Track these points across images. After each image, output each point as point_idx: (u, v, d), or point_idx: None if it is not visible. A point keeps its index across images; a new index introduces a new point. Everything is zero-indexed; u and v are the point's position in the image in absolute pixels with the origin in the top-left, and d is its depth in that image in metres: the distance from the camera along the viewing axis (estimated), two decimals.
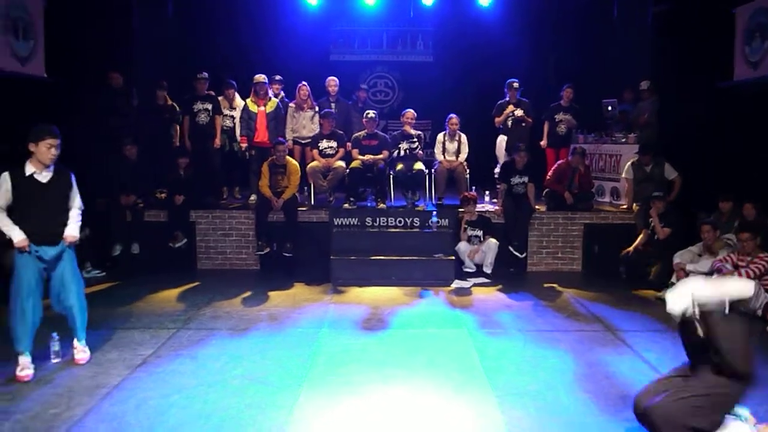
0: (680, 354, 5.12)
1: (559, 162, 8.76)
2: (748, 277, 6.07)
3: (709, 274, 6.49)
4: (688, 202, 7.94)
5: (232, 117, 8.90)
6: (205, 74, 8.75)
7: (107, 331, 5.58)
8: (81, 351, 4.93)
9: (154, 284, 7.25)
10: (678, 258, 6.90)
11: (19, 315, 4.62)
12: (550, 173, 8.67)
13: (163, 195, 8.29)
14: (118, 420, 3.94)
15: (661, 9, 9.40)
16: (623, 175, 8.61)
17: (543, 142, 9.45)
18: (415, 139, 8.65)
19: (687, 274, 6.77)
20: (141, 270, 7.80)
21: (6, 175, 4.60)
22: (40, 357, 4.81)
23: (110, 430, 3.82)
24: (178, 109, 8.86)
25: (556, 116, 9.35)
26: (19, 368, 4.60)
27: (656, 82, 9.10)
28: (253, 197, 8.60)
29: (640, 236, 7.66)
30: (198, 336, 5.55)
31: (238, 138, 8.69)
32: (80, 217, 4.89)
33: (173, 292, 7.04)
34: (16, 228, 4.59)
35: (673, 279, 6.86)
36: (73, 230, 4.81)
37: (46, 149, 4.57)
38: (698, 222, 7.08)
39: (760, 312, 6.07)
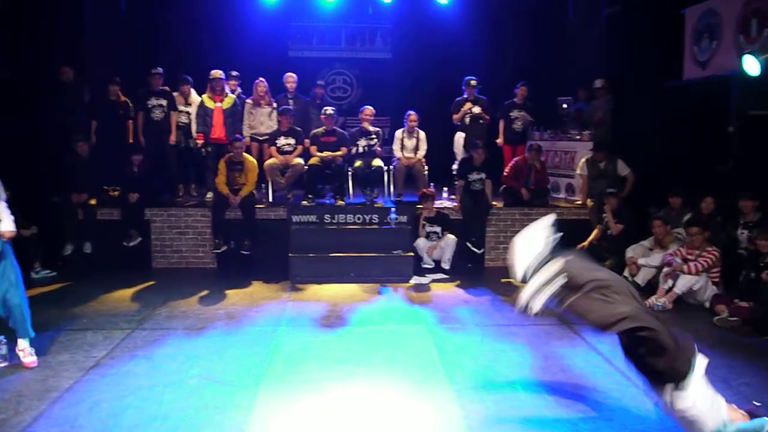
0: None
1: (516, 159, 8.88)
2: (697, 270, 6.27)
3: (660, 267, 6.69)
4: (640, 197, 8.14)
5: (188, 113, 8.74)
6: (160, 69, 8.57)
7: (58, 333, 5.43)
8: (29, 354, 4.76)
9: (108, 284, 7.08)
10: (630, 252, 7.08)
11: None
12: (507, 170, 8.79)
13: (116, 193, 8.11)
14: (70, 424, 3.83)
15: (614, 10, 9.61)
16: (578, 172, 8.78)
17: (499, 140, 9.55)
18: (374, 136, 8.65)
19: (639, 267, 6.96)
20: (94, 270, 7.62)
21: None
22: None
23: None
24: (131, 104, 8.66)
25: (511, 113, 9.46)
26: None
27: (609, 81, 9.30)
28: (209, 195, 8.48)
29: (595, 231, 7.83)
30: (153, 336, 5.45)
31: (194, 135, 8.55)
32: (8, 210, 4.67)
33: (127, 292, 6.90)
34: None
35: (626, 273, 7.04)
36: (8, 225, 4.63)
37: None
38: (649, 217, 7.27)
39: (707, 304, 6.28)
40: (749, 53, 6.35)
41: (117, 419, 3.89)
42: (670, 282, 6.47)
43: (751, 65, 6.29)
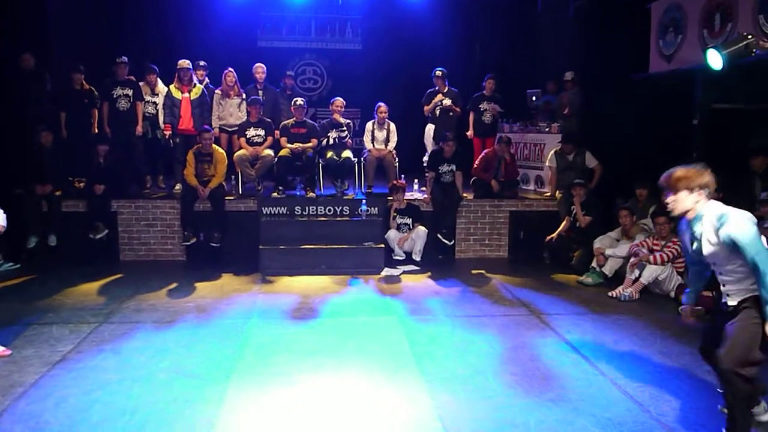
0: (599, 335, 5.39)
1: (486, 151, 8.94)
2: (662, 260, 6.40)
3: (627, 258, 6.81)
4: (608, 189, 8.26)
5: (155, 104, 8.60)
6: (125, 58, 8.40)
7: (22, 327, 5.32)
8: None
9: (74, 277, 6.96)
10: (598, 243, 7.20)
11: None
12: (477, 162, 8.84)
13: (81, 184, 7.95)
14: (36, 419, 3.76)
15: (581, 3, 9.71)
16: (547, 164, 8.88)
17: (469, 132, 9.60)
18: (345, 128, 8.63)
19: (606, 258, 7.08)
20: (59, 263, 7.47)
21: None
22: None
23: (27, 430, 3.65)
24: (96, 93, 8.47)
25: (480, 106, 9.51)
26: None
27: (578, 74, 9.41)
28: (178, 186, 8.37)
29: (563, 223, 7.94)
30: (121, 330, 5.37)
31: (162, 125, 8.42)
32: None
33: (94, 285, 6.78)
34: None
35: (594, 263, 7.15)
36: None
37: None
38: (616, 208, 7.39)
39: (673, 294, 6.41)
40: (713, 47, 6.45)
41: (84, 414, 3.83)
42: (636, 272, 6.59)
43: (714, 59, 6.40)
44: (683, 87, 7.64)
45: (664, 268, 6.44)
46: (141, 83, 8.57)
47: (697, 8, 7.47)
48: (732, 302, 3.45)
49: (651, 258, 6.47)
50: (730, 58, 6.26)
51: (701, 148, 7.60)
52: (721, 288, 3.51)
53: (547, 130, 9.50)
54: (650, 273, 6.46)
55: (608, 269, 7.08)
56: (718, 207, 3.40)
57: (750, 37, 6.20)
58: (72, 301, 6.18)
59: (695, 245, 3.48)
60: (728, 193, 6.66)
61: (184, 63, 8.34)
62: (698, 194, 3.41)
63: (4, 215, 4.72)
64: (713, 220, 3.35)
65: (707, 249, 3.39)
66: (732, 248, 3.26)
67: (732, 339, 3.35)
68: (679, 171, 3.47)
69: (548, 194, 8.87)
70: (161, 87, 8.65)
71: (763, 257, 3.17)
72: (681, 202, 3.44)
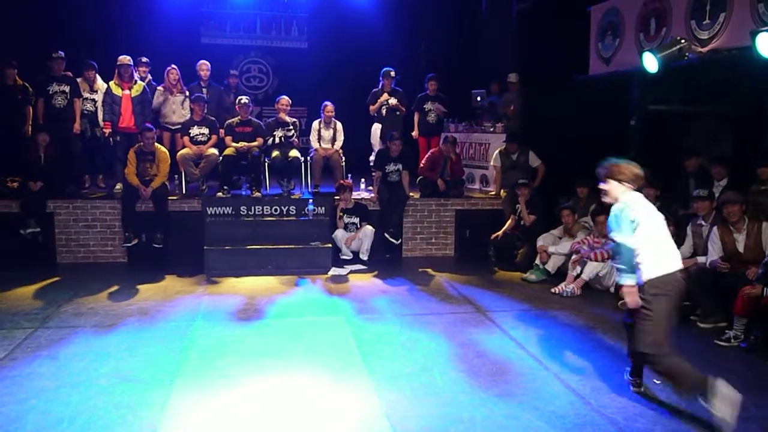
0: (543, 330, 5.50)
1: (432, 150, 9.01)
2: (603, 257, 6.58)
3: (569, 255, 6.98)
4: (551, 188, 8.45)
5: (94, 101, 8.34)
6: (61, 53, 8.11)
7: None
8: None
9: (7, 281, 6.67)
10: (541, 241, 7.36)
11: None
12: (423, 161, 8.91)
13: (15, 184, 7.63)
14: None
15: (524, 6, 9.90)
16: (491, 163, 9.01)
17: (414, 133, 9.63)
18: (291, 127, 8.55)
19: (549, 255, 7.24)
20: None
21: None
22: None
23: None
24: (30, 89, 8.14)
25: (424, 106, 9.57)
26: None
27: (520, 75, 9.58)
28: (118, 186, 8.12)
29: (508, 221, 8.08)
30: (58, 335, 5.18)
31: (101, 123, 8.17)
32: None
33: (29, 289, 6.53)
34: None
35: (537, 261, 7.30)
36: None
37: None
38: (558, 206, 7.57)
39: (612, 289, 6.61)
40: (648, 51, 6.70)
41: (18, 424, 3.68)
42: (578, 269, 6.77)
43: (650, 62, 6.64)
44: (621, 89, 7.88)
45: (604, 265, 6.63)
46: (79, 79, 8.28)
47: (633, 13, 7.72)
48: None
49: (592, 255, 6.65)
50: (665, 61, 6.51)
51: (638, 148, 7.85)
52: None
53: (491, 130, 9.65)
54: (591, 269, 6.64)
55: (551, 266, 7.24)
56: (633, 198, 3.97)
57: (683, 41, 6.46)
58: (5, 306, 5.93)
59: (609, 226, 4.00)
60: (664, 191, 6.97)
61: (125, 59, 8.10)
62: (627, 186, 3.97)
63: None
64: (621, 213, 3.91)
65: (616, 232, 3.94)
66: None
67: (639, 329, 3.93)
68: (616, 163, 4.08)
69: (493, 193, 9.01)
70: (100, 83, 8.40)
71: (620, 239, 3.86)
72: (613, 191, 4.04)
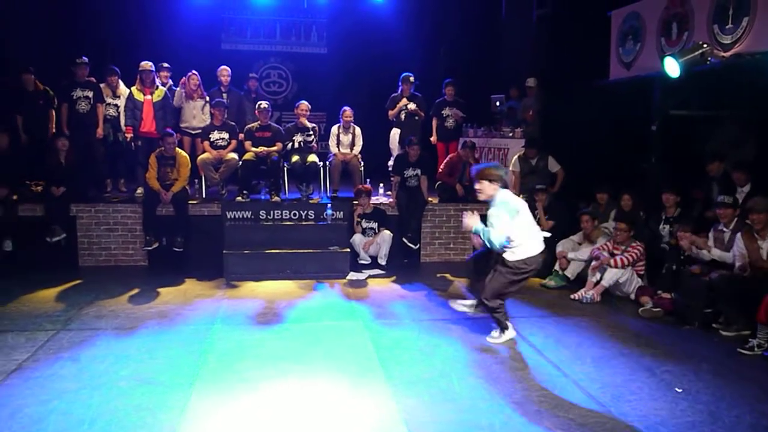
0: (562, 337, 5.46)
1: (450, 155, 9.00)
2: (623, 263, 6.52)
3: (588, 261, 6.92)
4: (570, 193, 8.39)
5: (116, 106, 8.46)
6: (85, 59, 8.24)
7: None
8: None
9: (30, 283, 6.78)
10: (560, 247, 7.30)
11: None
12: (442, 166, 8.89)
13: (39, 188, 7.75)
14: None
15: (545, 11, 9.86)
16: (510, 168, 8.94)
17: (432, 138, 9.62)
18: (310, 132, 8.58)
19: (568, 261, 7.18)
20: (15, 269, 7.25)
21: None
22: None
23: None
24: (51, 93, 8.27)
25: (443, 111, 9.56)
26: None
27: (540, 80, 9.54)
28: (140, 190, 8.22)
29: None
30: (80, 337, 5.25)
31: (123, 128, 8.27)
32: None
33: (52, 292, 6.62)
34: None
35: (556, 267, 7.25)
36: None
37: None
38: (578, 212, 7.51)
39: (633, 296, 6.54)
40: (670, 55, 6.63)
41: (40, 425, 3.73)
42: (597, 275, 6.70)
43: (671, 67, 6.58)
44: (642, 93, 7.81)
45: (624, 271, 6.56)
46: (102, 85, 8.41)
47: (655, 17, 7.66)
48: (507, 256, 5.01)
49: (612, 261, 6.58)
50: (687, 65, 6.44)
51: (659, 153, 7.78)
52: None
53: (510, 135, 9.61)
54: (611, 276, 6.58)
55: (570, 272, 7.19)
56: (504, 194, 4.95)
57: (705, 46, 6.39)
58: (28, 308, 6.02)
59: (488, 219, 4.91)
60: (685, 196, 6.89)
61: (147, 65, 8.21)
62: (495, 185, 4.91)
63: None
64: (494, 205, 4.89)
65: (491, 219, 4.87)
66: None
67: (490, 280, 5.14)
68: (485, 167, 5.03)
69: None
70: (123, 89, 8.51)
71: (491, 226, 4.83)
72: (485, 189, 4.96)
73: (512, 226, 4.86)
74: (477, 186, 5.01)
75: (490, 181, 4.93)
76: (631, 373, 4.66)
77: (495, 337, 5.35)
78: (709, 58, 6.41)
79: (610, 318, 6.05)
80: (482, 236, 4.92)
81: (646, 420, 3.92)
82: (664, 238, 6.88)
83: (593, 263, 6.78)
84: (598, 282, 6.67)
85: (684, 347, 5.24)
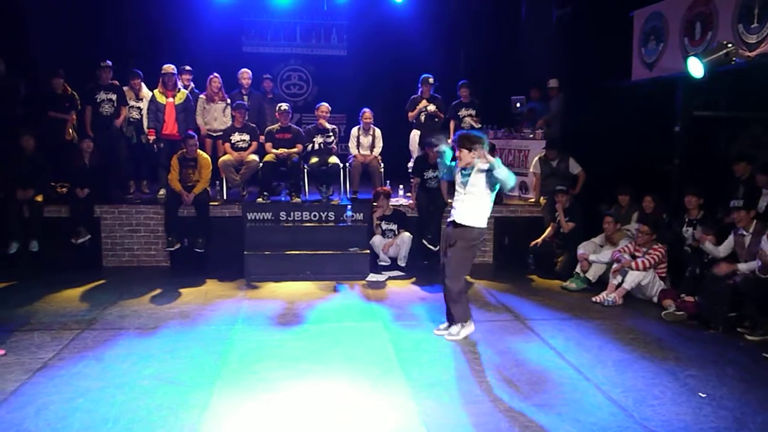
0: (583, 340, 5.41)
1: None
2: (645, 266, 6.45)
3: (610, 263, 6.86)
4: (592, 195, 8.33)
5: (139, 108, 8.56)
6: (109, 62, 8.36)
7: (3, 334, 5.25)
8: None
9: (56, 283, 6.88)
10: (582, 249, 7.24)
11: None
12: None
13: (64, 189, 7.87)
14: (16, 428, 3.71)
15: (565, 11, 9.80)
16: (531, 170, 8.93)
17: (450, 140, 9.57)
18: (330, 133, 8.62)
19: (590, 264, 7.12)
20: (41, 269, 7.37)
21: None
22: None
23: None
24: (77, 97, 8.41)
25: (459, 113, 9.52)
26: None
27: (561, 81, 9.48)
28: (162, 191, 8.31)
29: (548, 229, 7.98)
30: (104, 336, 5.32)
31: (146, 130, 8.37)
32: None
33: (76, 291, 6.71)
34: None
35: (578, 269, 7.19)
36: None
37: None
38: (600, 213, 7.45)
39: (655, 299, 6.48)
40: (693, 56, 6.55)
41: (65, 422, 3.79)
42: (619, 278, 6.64)
43: (695, 67, 6.49)
44: (665, 94, 7.74)
45: (646, 274, 6.50)
46: (125, 88, 8.52)
47: (678, 17, 7.57)
48: (457, 221, 5.19)
49: (633, 264, 6.52)
50: (711, 66, 6.35)
51: (683, 155, 7.69)
52: (453, 210, 5.26)
53: (531, 136, 9.56)
54: (633, 278, 6.51)
55: (592, 275, 7.13)
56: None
57: (730, 45, 6.30)
58: (54, 308, 6.12)
59: (464, 179, 5.15)
60: (709, 198, 6.81)
61: (169, 68, 8.30)
62: (474, 153, 5.03)
63: None
64: (481, 166, 5.00)
65: (474, 181, 5.08)
66: (487, 179, 5.03)
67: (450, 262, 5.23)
68: (465, 136, 5.17)
69: (532, 200, 8.92)
70: (146, 92, 8.61)
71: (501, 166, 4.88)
72: (465, 157, 5.08)
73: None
74: (457, 154, 5.16)
75: (469, 149, 5.06)
76: (653, 377, 4.61)
77: (453, 334, 5.34)
78: (734, 58, 6.32)
79: (631, 321, 5.99)
80: (499, 168, 4.85)
81: (669, 425, 3.87)
82: (687, 240, 6.80)
83: (615, 266, 6.73)
84: (619, 285, 6.61)
85: (708, 351, 5.18)
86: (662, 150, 7.87)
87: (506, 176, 4.86)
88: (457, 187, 5.27)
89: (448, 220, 5.36)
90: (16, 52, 8.37)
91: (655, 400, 4.23)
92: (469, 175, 5.13)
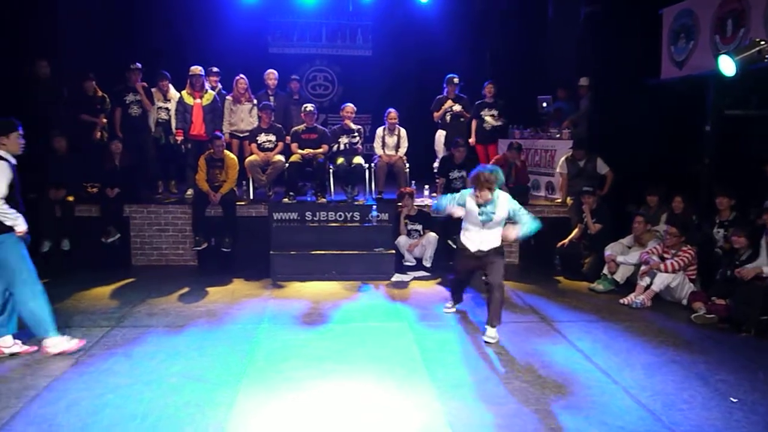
0: (611, 342, 5.35)
1: (496, 157, 8.91)
2: (674, 268, 6.35)
3: (638, 265, 6.76)
4: (619, 196, 8.22)
5: (167, 109, 8.68)
6: (138, 65, 8.50)
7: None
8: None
9: (86, 282, 7.00)
10: (609, 250, 7.15)
11: (42, 299, 4.87)
12: None
13: (94, 189, 8.01)
14: (48, 422, 3.79)
15: (593, 9, 9.68)
16: (558, 170, 8.84)
17: (471, 140, 9.50)
18: (356, 134, 8.64)
19: (617, 265, 7.04)
20: (72, 267, 7.51)
21: (6, 164, 4.64)
22: None
23: None
24: (107, 99, 8.56)
25: (482, 113, 9.46)
26: (65, 342, 4.92)
27: (589, 80, 9.38)
28: (189, 191, 8.41)
29: (575, 230, 7.90)
30: (133, 334, 5.40)
31: (174, 131, 8.48)
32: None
33: (106, 290, 6.82)
34: (21, 216, 4.75)
35: (605, 270, 7.11)
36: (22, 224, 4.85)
37: (16, 139, 4.79)
38: (629, 214, 7.34)
39: (685, 302, 6.37)
40: (725, 53, 6.42)
41: (95, 417, 3.86)
42: (647, 279, 6.55)
43: (726, 65, 6.36)
44: (695, 93, 7.60)
45: (675, 276, 6.40)
46: (153, 89, 8.65)
47: (708, 14, 7.44)
48: (485, 248, 5.47)
49: (662, 266, 6.42)
50: (743, 63, 6.22)
51: (713, 154, 7.56)
52: (479, 241, 5.48)
53: (558, 136, 9.46)
54: (662, 280, 6.41)
55: (620, 276, 7.04)
56: (503, 195, 5.42)
57: (762, 42, 6.16)
58: (84, 305, 6.23)
59: (485, 216, 5.35)
60: (739, 198, 6.67)
61: (197, 69, 8.40)
62: (491, 190, 5.28)
63: (24, 219, 4.81)
64: (505, 202, 5.39)
65: (499, 216, 5.36)
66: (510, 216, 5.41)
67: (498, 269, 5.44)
68: (485, 175, 5.24)
69: (559, 201, 8.83)
70: (173, 93, 8.72)
71: (524, 213, 5.44)
72: (485, 196, 5.25)
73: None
74: (478, 192, 5.28)
75: (490, 190, 5.25)
76: (682, 381, 4.54)
77: (493, 337, 5.39)
78: (766, 56, 6.18)
79: (660, 324, 5.91)
80: (529, 229, 5.41)
81: (699, 430, 3.81)
82: (718, 242, 6.68)
83: (643, 267, 6.63)
84: (648, 286, 6.51)
85: (739, 355, 5.08)
86: (692, 150, 7.74)
87: (532, 231, 5.41)
88: (472, 219, 5.44)
89: (469, 249, 5.53)
90: (51, 55, 8.52)
91: (685, 404, 4.16)
92: (487, 213, 5.36)
